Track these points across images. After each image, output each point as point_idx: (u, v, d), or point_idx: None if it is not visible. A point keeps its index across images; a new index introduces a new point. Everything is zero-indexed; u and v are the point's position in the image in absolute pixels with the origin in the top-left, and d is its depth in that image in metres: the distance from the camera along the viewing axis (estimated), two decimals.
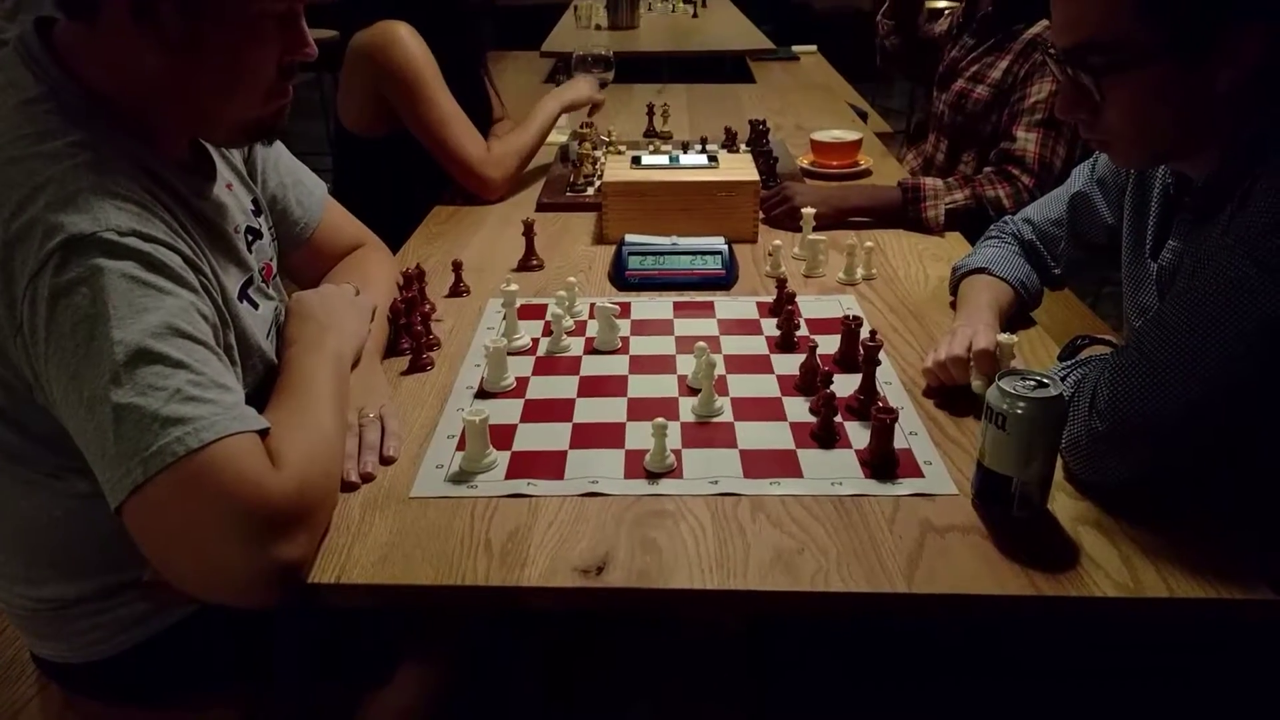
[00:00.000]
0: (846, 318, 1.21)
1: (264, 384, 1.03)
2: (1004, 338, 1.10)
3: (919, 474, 0.99)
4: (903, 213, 1.71)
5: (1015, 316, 1.30)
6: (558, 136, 2.27)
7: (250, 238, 1.09)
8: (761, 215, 1.71)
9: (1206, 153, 0.96)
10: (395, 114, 1.82)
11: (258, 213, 1.15)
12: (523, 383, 1.19)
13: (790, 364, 1.21)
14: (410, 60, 1.76)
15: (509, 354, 1.22)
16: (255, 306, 1.05)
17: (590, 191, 1.89)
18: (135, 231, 0.82)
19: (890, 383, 1.17)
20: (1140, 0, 0.88)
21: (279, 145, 1.26)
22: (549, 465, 1.01)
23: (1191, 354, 0.88)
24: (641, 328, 1.34)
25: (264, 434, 0.84)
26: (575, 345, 1.28)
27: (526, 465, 1.01)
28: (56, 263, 0.79)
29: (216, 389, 0.81)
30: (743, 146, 2.04)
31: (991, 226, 1.41)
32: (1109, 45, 0.91)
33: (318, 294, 1.16)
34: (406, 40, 1.77)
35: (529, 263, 1.56)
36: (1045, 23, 1.82)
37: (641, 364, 1.23)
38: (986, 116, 1.88)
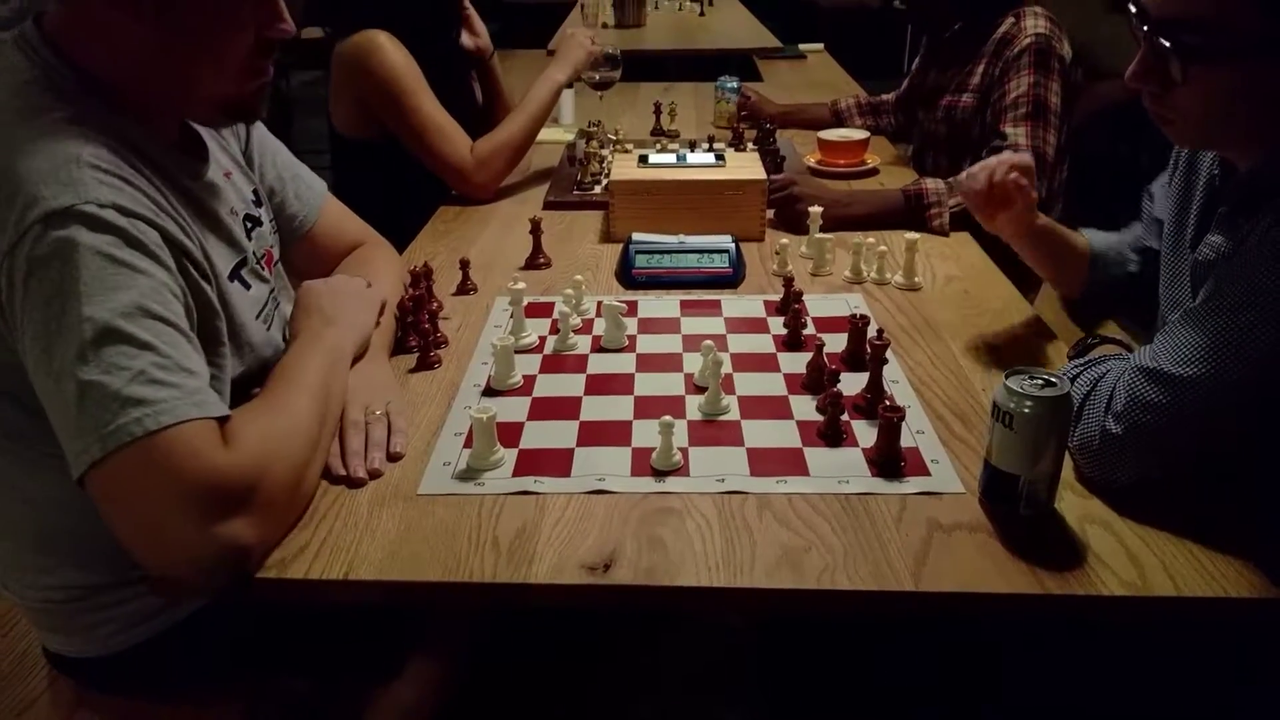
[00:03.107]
0: (853, 316, 1.21)
1: (258, 365, 1.05)
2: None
3: (926, 472, 0.99)
4: (907, 219, 1.70)
5: (1082, 279, 1.32)
6: (564, 135, 2.27)
7: (249, 224, 1.11)
8: (770, 214, 1.71)
9: (1262, 144, 0.94)
10: (381, 120, 1.83)
11: (258, 203, 1.16)
12: (530, 380, 1.19)
13: (797, 362, 1.21)
14: (391, 69, 1.77)
15: (516, 352, 1.22)
16: (247, 287, 1.06)
17: (597, 190, 1.89)
18: (115, 205, 0.84)
19: (897, 381, 1.17)
20: None
21: (277, 143, 1.27)
22: (556, 463, 1.01)
23: (1213, 366, 0.87)
24: (648, 326, 1.34)
25: (225, 420, 0.85)
26: (582, 343, 1.29)
27: (533, 463, 1.01)
28: (35, 235, 0.80)
29: (181, 373, 0.82)
30: (750, 145, 2.03)
31: None
32: (1211, 27, 0.84)
33: (326, 284, 1.17)
34: (387, 48, 1.78)
35: (536, 261, 1.57)
36: (1011, 19, 1.84)
37: (648, 362, 1.24)
38: (975, 120, 1.90)
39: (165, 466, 0.79)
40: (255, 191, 1.16)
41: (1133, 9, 0.91)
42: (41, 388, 0.83)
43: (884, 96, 2.41)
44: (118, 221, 0.83)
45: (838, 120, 2.40)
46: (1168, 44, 0.87)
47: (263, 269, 1.12)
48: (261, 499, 0.84)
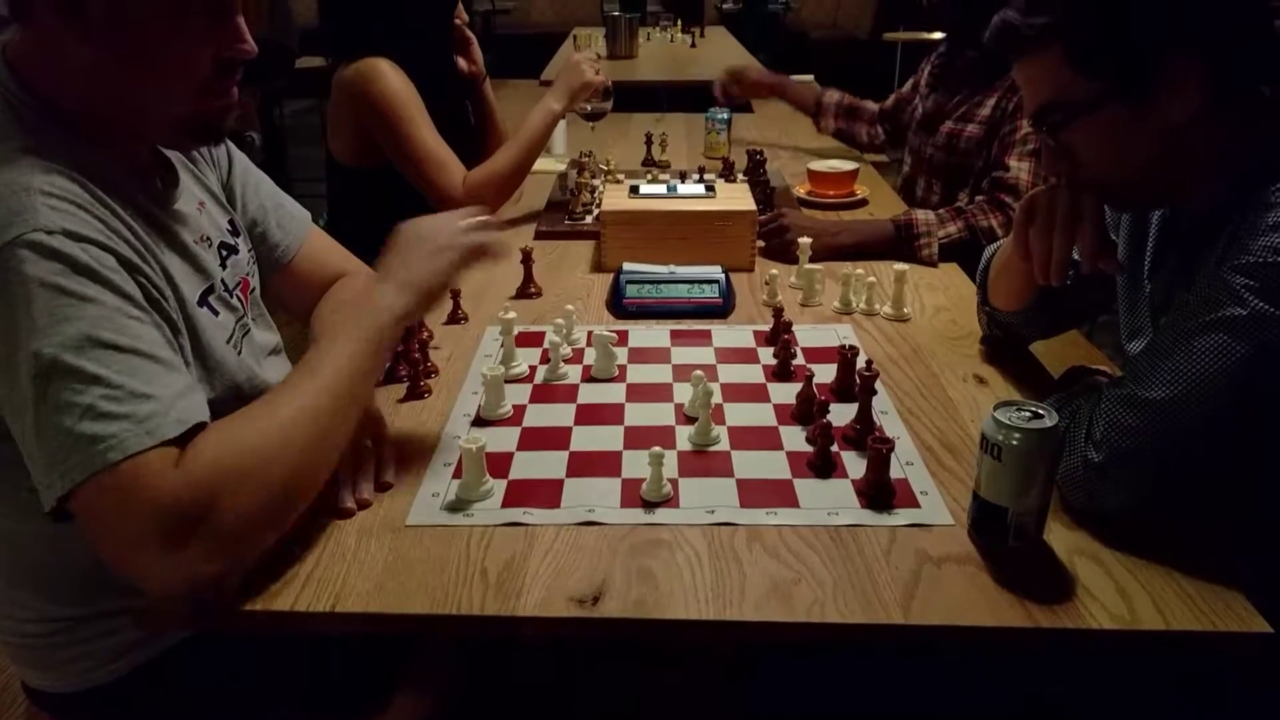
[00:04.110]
0: (843, 347, 1.22)
1: (230, 391, 1.04)
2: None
3: (915, 504, 0.99)
4: (896, 250, 1.71)
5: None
6: (556, 165, 2.28)
7: (224, 253, 1.11)
8: (760, 244, 1.72)
9: (1205, 183, 0.98)
10: (379, 146, 1.84)
11: (235, 233, 1.17)
12: (520, 410, 1.19)
13: (787, 393, 1.21)
14: (391, 96, 1.79)
15: (506, 382, 1.22)
16: (215, 314, 1.06)
17: (588, 220, 1.90)
18: (64, 230, 0.83)
19: (886, 412, 1.18)
20: (1073, 58, 0.96)
21: (260, 174, 1.28)
22: (545, 494, 1.01)
23: (1184, 386, 0.89)
24: (639, 356, 1.34)
25: (193, 431, 0.82)
26: (573, 373, 1.29)
27: (523, 494, 1.01)
28: None
29: (134, 400, 0.80)
30: (740, 176, 2.05)
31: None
32: (1060, 103, 0.99)
33: (408, 232, 1.08)
34: (388, 75, 1.79)
35: (527, 290, 1.57)
36: None
37: (639, 392, 1.24)
38: (979, 153, 1.90)
39: (117, 501, 0.78)
40: (232, 222, 1.17)
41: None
42: (9, 420, 0.83)
43: (866, 102, 2.42)
44: (65, 248, 0.82)
45: (817, 111, 2.45)
46: (1043, 128, 1.03)
47: (232, 297, 1.12)
48: (215, 524, 0.79)
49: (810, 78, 4.00)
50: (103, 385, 0.80)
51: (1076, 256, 1.18)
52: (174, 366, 0.86)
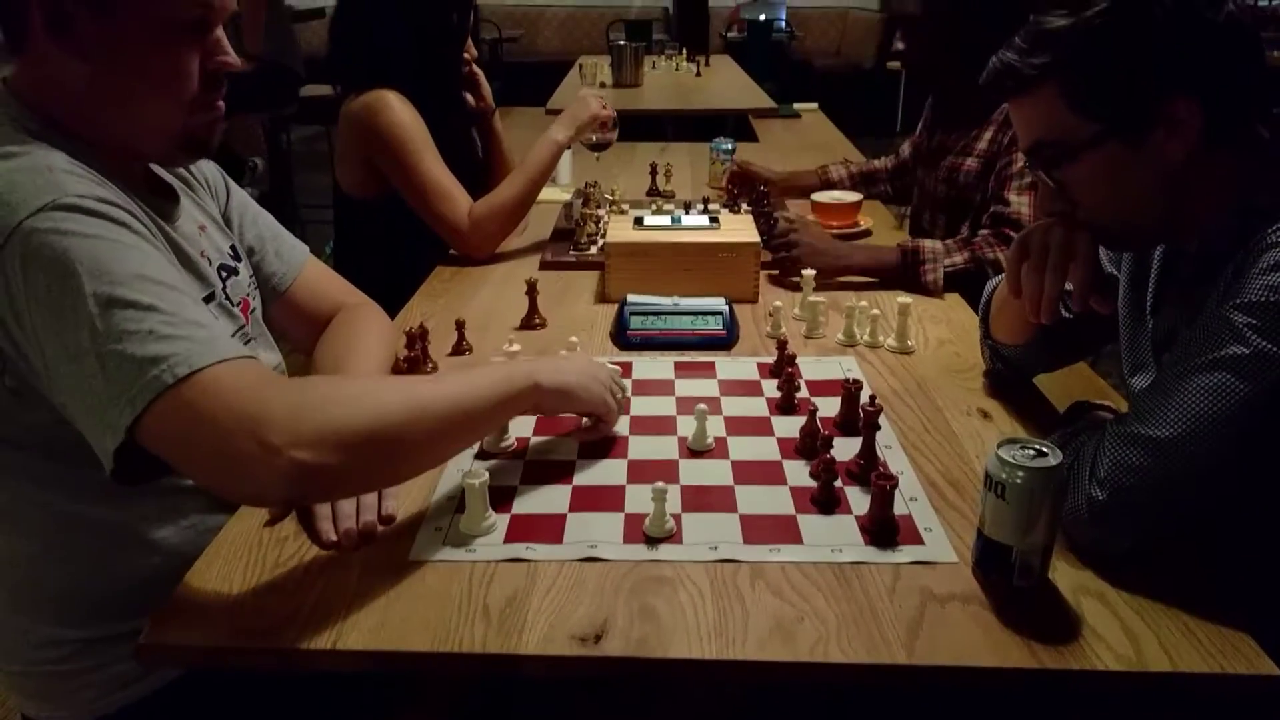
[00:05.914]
0: (846, 381, 1.22)
1: None
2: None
3: (919, 541, 0.99)
4: (901, 275, 1.72)
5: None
6: (561, 195, 2.30)
7: (224, 273, 1.14)
8: (763, 274, 1.72)
9: (1204, 222, 0.99)
10: (386, 177, 1.86)
11: (236, 257, 1.19)
12: (523, 443, 1.19)
13: (791, 426, 1.21)
14: (398, 128, 1.81)
15: None
16: (215, 319, 1.07)
17: (593, 251, 1.90)
18: (93, 195, 0.87)
19: (890, 447, 1.17)
20: (1071, 97, 0.97)
21: (258, 207, 1.30)
22: (548, 529, 1.01)
23: (1188, 425, 0.88)
24: (643, 388, 1.34)
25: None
26: None
27: (526, 529, 1.01)
28: (21, 236, 0.82)
29: (189, 325, 0.83)
30: (744, 207, 2.06)
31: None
32: (1056, 141, 1.00)
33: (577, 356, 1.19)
34: (395, 108, 1.81)
35: (531, 322, 1.57)
36: None
37: (642, 425, 1.24)
38: (978, 186, 1.91)
39: (186, 418, 0.80)
40: (233, 247, 1.19)
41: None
42: (66, 378, 0.83)
43: (875, 164, 2.43)
44: (98, 208, 0.86)
45: (827, 188, 2.43)
46: (1039, 167, 1.04)
47: (233, 309, 1.14)
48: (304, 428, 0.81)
49: (815, 106, 4.04)
50: (158, 313, 0.82)
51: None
52: (214, 314, 0.91)
